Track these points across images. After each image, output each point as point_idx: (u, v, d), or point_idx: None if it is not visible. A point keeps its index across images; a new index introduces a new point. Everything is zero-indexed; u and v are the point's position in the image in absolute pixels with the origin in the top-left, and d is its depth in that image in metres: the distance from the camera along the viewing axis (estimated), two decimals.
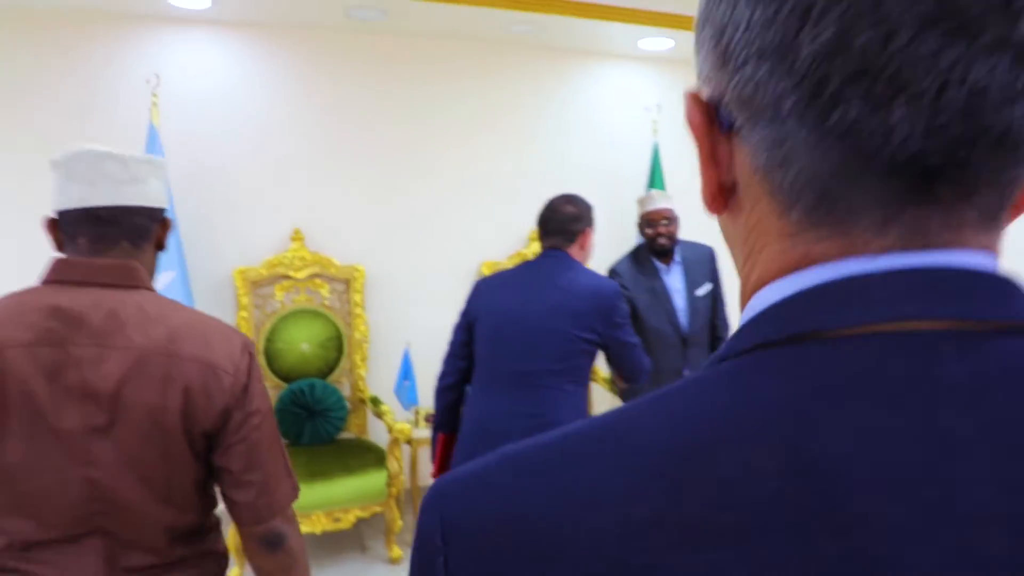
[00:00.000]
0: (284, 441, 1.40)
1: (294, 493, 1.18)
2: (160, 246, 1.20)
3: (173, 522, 1.09)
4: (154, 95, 3.25)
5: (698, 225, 4.41)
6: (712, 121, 0.34)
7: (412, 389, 3.36)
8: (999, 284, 0.28)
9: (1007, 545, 0.24)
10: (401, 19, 3.50)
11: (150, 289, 1.14)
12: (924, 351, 0.27)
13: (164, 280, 3.20)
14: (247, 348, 1.15)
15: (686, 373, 2.92)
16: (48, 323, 1.03)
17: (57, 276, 1.08)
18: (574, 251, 2.08)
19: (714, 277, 3.06)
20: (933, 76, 0.26)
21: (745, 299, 0.36)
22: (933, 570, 0.24)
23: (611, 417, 0.32)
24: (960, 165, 0.28)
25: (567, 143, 4.20)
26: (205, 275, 3.52)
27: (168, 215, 1.35)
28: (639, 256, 3.04)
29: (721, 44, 0.32)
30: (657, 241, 2.97)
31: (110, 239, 1.11)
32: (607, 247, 4.02)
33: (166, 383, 1.05)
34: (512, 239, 4.09)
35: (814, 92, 0.28)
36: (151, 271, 1.19)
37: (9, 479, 1.02)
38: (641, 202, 3.07)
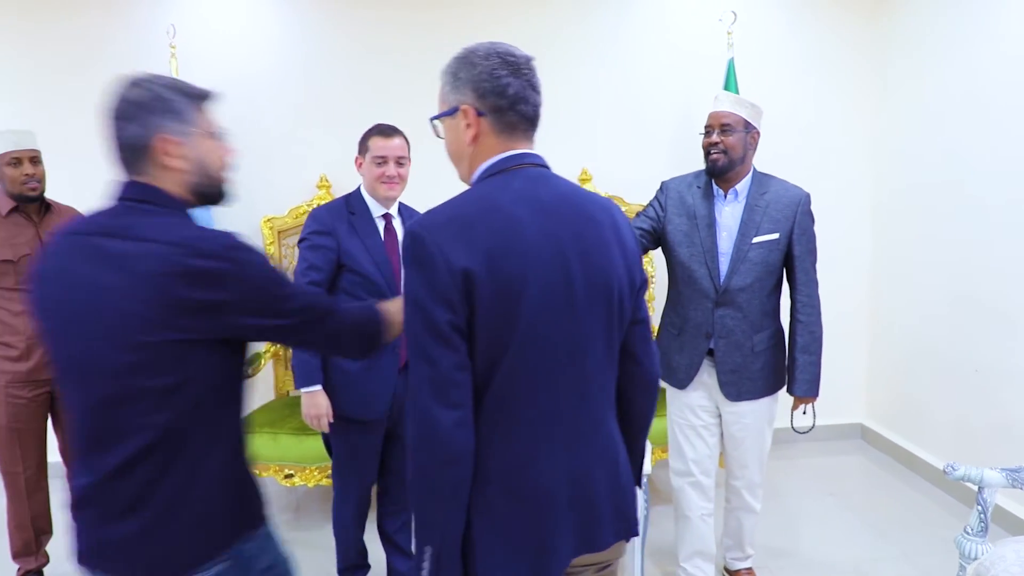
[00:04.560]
0: None
1: None
2: None
3: None
4: (172, 47, 3.28)
5: (778, 158, 3.68)
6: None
7: None
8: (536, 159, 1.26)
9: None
10: None
11: None
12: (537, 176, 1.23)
13: None
14: None
15: (711, 344, 2.29)
16: None
17: None
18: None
19: (793, 229, 2.27)
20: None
21: (468, 180, 1.27)
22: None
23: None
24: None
25: (628, 62, 3.67)
26: (232, 225, 3.53)
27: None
28: (701, 175, 2.37)
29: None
30: (709, 155, 2.25)
31: None
32: None
33: None
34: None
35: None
36: None
37: None
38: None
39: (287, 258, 3.52)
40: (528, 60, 1.24)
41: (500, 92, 1.19)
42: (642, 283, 1.30)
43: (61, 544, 2.84)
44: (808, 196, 2.32)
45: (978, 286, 3.13)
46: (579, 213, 1.20)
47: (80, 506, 1.21)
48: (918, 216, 3.54)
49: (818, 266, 3.77)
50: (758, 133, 2.28)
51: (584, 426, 1.25)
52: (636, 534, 1.34)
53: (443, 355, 1.11)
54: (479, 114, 1.20)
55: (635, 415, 1.37)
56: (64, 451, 2.74)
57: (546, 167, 1.25)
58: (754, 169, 2.32)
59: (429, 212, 1.16)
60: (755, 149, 2.29)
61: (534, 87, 1.23)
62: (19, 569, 2.67)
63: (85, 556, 1.22)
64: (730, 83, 3.42)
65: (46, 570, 2.73)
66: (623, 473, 1.32)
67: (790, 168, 3.68)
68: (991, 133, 3.02)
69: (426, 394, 1.11)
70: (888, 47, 3.71)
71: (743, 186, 2.29)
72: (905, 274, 3.67)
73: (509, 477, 1.17)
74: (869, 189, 3.89)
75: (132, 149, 1.20)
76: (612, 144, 3.72)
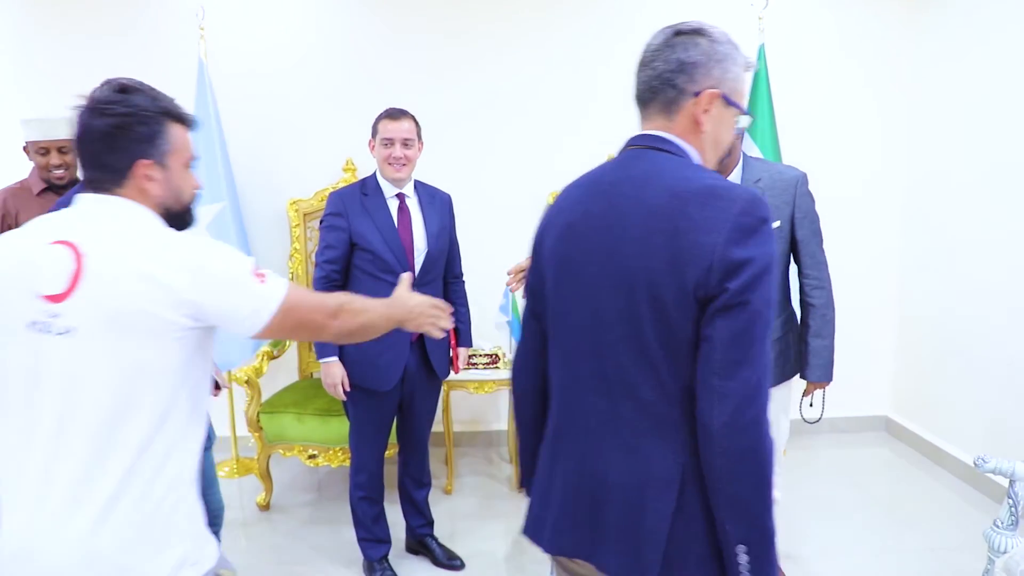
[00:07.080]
0: None
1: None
2: None
3: None
4: (201, 28, 3.29)
5: (808, 148, 3.64)
6: None
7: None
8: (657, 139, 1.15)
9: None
10: None
11: None
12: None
13: (212, 211, 3.28)
14: None
15: None
16: None
17: None
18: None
19: (794, 213, 2.18)
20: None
21: None
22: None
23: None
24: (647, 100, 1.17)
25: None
26: (259, 206, 3.57)
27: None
28: None
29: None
30: None
31: None
32: None
33: None
34: (586, 168, 3.65)
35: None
36: None
37: None
38: None
39: (311, 239, 3.54)
40: (659, 36, 1.14)
41: None
42: (719, 297, 1.00)
43: None
44: (805, 176, 2.22)
45: (1007, 278, 3.07)
46: (634, 198, 1.09)
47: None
48: (949, 206, 3.47)
49: (846, 256, 3.76)
50: None
51: (609, 430, 1.12)
52: None
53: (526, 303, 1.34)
54: None
55: (704, 467, 1.04)
56: None
57: (651, 147, 1.14)
58: (744, 155, 2.24)
59: None
60: (743, 137, 2.19)
61: (645, 63, 1.14)
62: None
63: None
64: (762, 72, 3.36)
65: None
66: (653, 514, 1.07)
67: (820, 157, 3.65)
68: None
69: None
70: (924, 32, 3.63)
71: (735, 177, 2.20)
72: (934, 265, 3.61)
73: (548, 440, 1.26)
74: (900, 179, 3.82)
75: None
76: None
